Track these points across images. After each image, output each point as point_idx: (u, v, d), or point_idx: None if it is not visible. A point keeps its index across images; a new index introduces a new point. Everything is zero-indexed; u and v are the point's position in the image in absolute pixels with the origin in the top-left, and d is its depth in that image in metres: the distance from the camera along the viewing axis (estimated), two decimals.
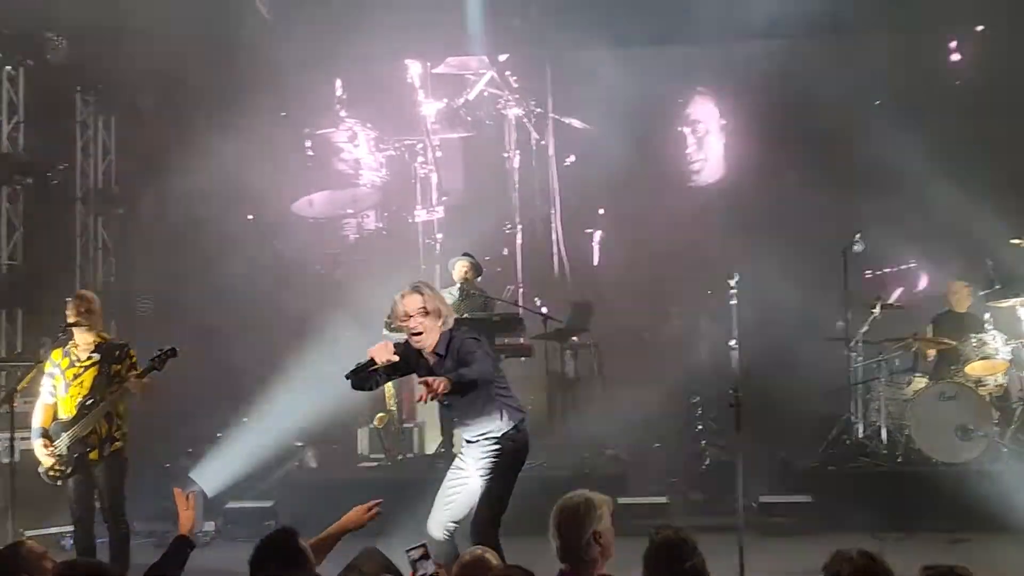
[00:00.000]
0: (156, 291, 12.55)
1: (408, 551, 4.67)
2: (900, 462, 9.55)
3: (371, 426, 11.08)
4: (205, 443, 11.03)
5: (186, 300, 12.36)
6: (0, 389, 9.31)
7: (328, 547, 4.87)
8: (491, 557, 4.07)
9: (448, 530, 6.09)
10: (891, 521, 8.80)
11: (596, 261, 13.89)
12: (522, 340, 10.27)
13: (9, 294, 11.04)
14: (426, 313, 5.73)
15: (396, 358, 5.79)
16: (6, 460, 7.86)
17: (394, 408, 10.83)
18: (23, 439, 7.80)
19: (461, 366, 5.72)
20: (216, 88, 13.17)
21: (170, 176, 12.55)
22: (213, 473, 10.21)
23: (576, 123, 13.39)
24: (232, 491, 10.08)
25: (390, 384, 10.68)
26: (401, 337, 6.06)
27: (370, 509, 5.00)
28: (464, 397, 5.86)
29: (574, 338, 10.99)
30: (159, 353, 7.05)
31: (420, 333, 5.76)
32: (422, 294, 5.78)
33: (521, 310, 10.67)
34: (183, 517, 4.89)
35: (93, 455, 7.12)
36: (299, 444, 12.19)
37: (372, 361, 5.81)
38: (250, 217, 13.69)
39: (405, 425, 11.15)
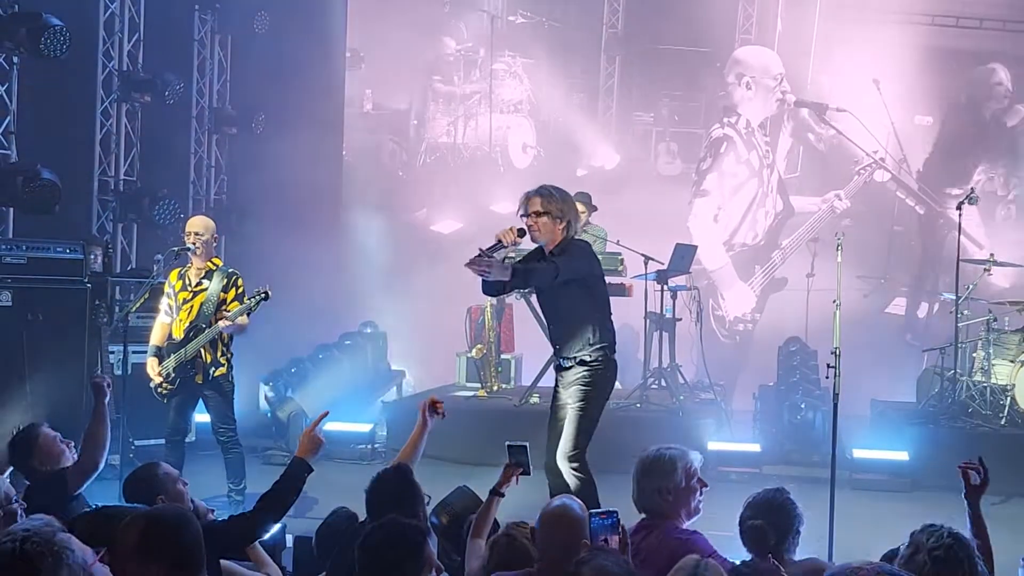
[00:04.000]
0: (265, 211, 12.77)
1: (510, 445, 4.93)
2: (1003, 424, 9.34)
3: (469, 356, 11.20)
4: (308, 363, 11.28)
5: (294, 222, 12.58)
6: (115, 303, 9.60)
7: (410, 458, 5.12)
8: (578, 508, 4.13)
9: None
10: (990, 484, 8.62)
11: None
12: (623, 280, 10.24)
13: (125, 210, 11.33)
14: (540, 214, 5.96)
15: (520, 240, 6.01)
16: (119, 372, 8.16)
17: (492, 340, 10.91)
18: (134, 352, 8.08)
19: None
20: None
21: (283, 97, 12.77)
22: (314, 394, 10.44)
23: None
24: (332, 413, 10.28)
25: (489, 315, 10.79)
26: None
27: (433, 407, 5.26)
28: (561, 315, 6.16)
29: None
30: (254, 295, 7.23)
31: (537, 231, 6.00)
32: (541, 196, 5.99)
33: (623, 250, 10.61)
34: (307, 440, 4.69)
35: (198, 379, 7.36)
36: (398, 368, 12.43)
37: (500, 243, 5.93)
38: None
39: (503, 356, 11.24)
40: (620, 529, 3.98)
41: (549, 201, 5.98)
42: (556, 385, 6.35)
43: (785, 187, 13.71)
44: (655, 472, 4.47)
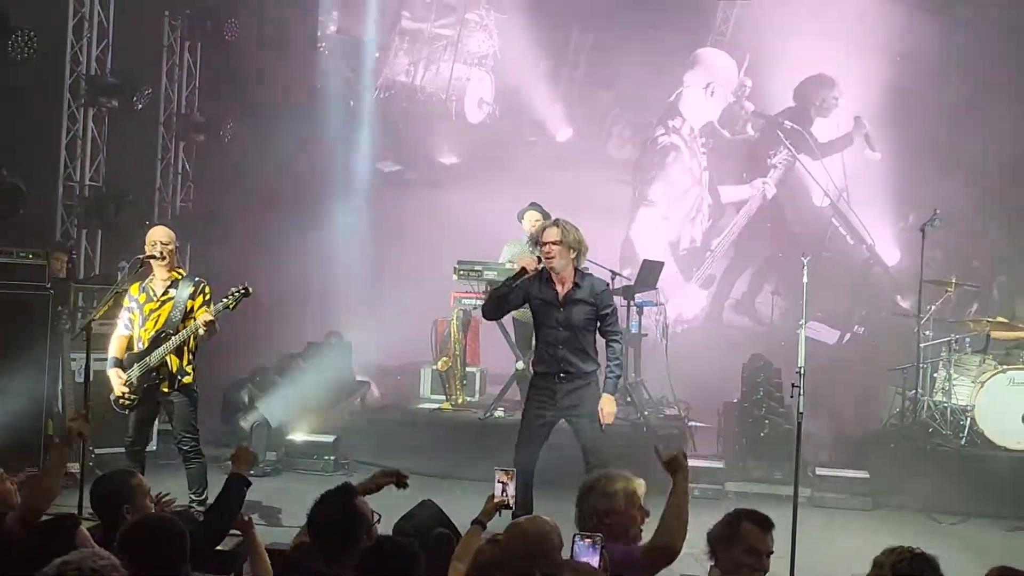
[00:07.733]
0: (231, 219, 12.69)
1: (497, 469, 4.95)
2: (963, 444, 9.42)
3: (434, 368, 11.17)
4: (272, 373, 11.21)
5: (260, 231, 12.51)
6: (78, 309, 9.51)
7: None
8: (548, 523, 4.15)
9: (533, 461, 6.69)
10: (949, 503, 8.72)
11: None
12: None
13: (90, 215, 11.23)
14: (557, 243, 6.60)
15: (539, 268, 6.73)
16: (80, 380, 8.06)
17: (458, 353, 10.88)
18: (97, 360, 7.98)
19: (599, 308, 6.79)
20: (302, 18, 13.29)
21: (252, 105, 12.71)
22: (278, 403, 10.36)
23: None
24: (295, 423, 10.21)
25: (455, 327, 10.76)
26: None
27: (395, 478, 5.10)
28: (579, 335, 6.75)
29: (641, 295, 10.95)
30: (232, 292, 7.16)
31: (552, 258, 6.63)
32: (559, 227, 6.68)
33: (591, 265, 10.62)
34: (241, 454, 4.77)
35: (163, 387, 7.28)
36: (363, 379, 12.37)
37: (523, 271, 6.69)
38: None
39: (468, 369, 11.21)
40: (602, 555, 3.94)
41: (566, 233, 6.65)
42: (539, 393, 6.84)
43: (716, 183, 13.81)
44: (596, 494, 4.50)
